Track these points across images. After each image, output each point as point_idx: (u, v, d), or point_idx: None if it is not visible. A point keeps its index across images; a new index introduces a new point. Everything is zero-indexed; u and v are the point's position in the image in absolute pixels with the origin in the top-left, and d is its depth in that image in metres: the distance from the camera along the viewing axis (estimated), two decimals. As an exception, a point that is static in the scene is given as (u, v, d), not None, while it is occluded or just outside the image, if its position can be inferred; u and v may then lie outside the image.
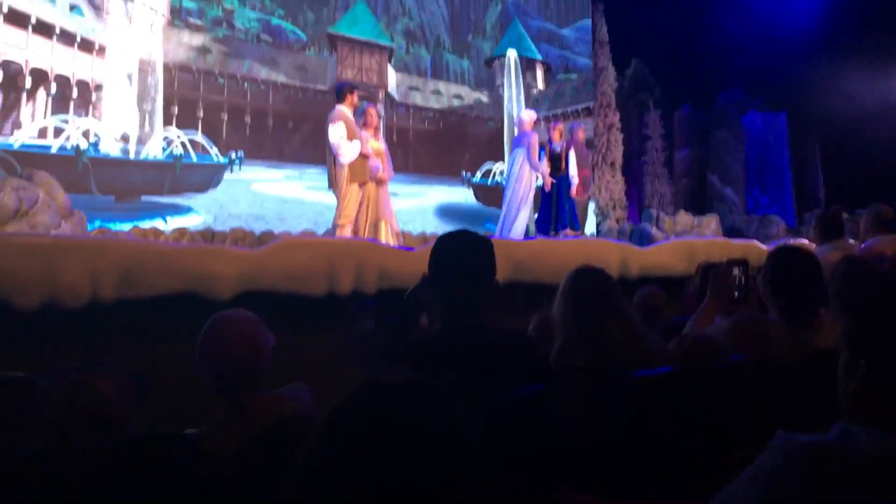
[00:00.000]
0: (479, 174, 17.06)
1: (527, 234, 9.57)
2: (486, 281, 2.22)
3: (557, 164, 10.01)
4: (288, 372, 2.65)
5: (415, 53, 17.01)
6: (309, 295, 5.18)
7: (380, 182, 8.39)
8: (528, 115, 9.61)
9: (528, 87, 17.48)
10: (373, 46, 16.76)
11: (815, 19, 18.67)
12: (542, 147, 9.98)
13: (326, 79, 15.46)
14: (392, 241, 8.01)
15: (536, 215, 10.17)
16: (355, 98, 8.01)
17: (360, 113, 8.26)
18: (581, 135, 11.21)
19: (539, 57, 18.71)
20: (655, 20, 19.35)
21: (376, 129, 8.55)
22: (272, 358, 2.32)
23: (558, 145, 10.13)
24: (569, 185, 9.98)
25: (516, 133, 10.03)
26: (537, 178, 9.70)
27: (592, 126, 18.68)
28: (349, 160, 7.50)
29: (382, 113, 15.33)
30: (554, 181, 9.92)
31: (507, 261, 6.10)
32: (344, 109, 7.62)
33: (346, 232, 7.56)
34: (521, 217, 9.26)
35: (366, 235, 7.98)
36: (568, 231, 9.75)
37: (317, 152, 14.57)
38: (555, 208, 9.94)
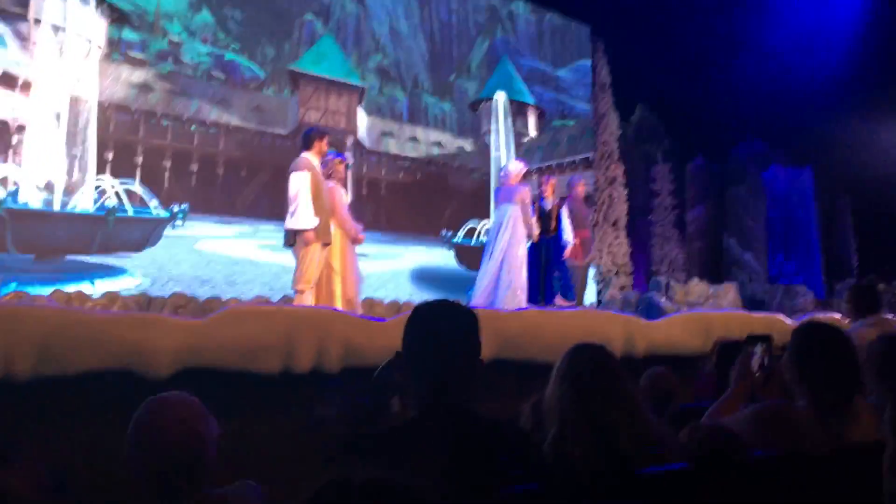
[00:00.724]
0: (461, 233, 17.12)
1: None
2: (470, 359, 2.21)
3: (547, 223, 10.04)
4: (236, 466, 2.59)
5: (389, 94, 17.20)
6: (262, 373, 5.14)
7: (356, 241, 8.46)
8: (516, 167, 9.67)
9: (519, 135, 17.70)
10: (341, 86, 16.94)
11: (843, 66, 19.13)
12: (532, 203, 10.04)
13: (287, 122, 15.54)
14: (343, 307, 8.04)
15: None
16: (325, 146, 8.10)
17: (323, 164, 8.34)
18: (581, 190, 11.38)
19: (531, 101, 18.94)
20: (664, 61, 19.73)
21: (343, 182, 8.63)
22: (217, 449, 2.28)
23: (549, 202, 10.23)
24: (560, 247, 10.01)
25: (501, 182, 10.15)
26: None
27: (592, 180, 18.88)
28: (305, 224, 7.48)
29: (351, 162, 15.48)
30: (543, 242, 10.00)
31: (494, 335, 6.11)
32: (310, 158, 7.63)
33: (307, 299, 7.52)
34: (518, 285, 9.24)
35: (322, 294, 8.03)
36: (560, 300, 9.86)
37: (273, 206, 14.47)
38: (543, 274, 10.00)
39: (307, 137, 8.13)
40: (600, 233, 18.45)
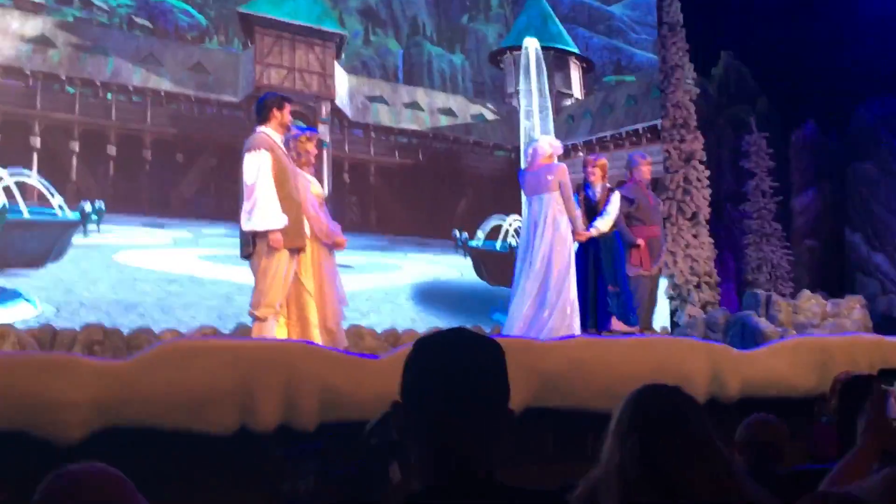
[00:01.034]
0: (481, 234, 17.06)
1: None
2: (494, 408, 2.26)
3: (596, 216, 10.01)
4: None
5: (378, 45, 17.25)
6: (210, 433, 5.18)
7: (335, 246, 8.50)
8: (547, 146, 9.80)
9: (559, 97, 17.71)
10: (311, 35, 17.81)
11: None
12: (574, 192, 10.15)
13: (238, 85, 15.63)
14: (321, 340, 8.09)
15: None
16: (287, 116, 8.13)
17: (287, 142, 8.37)
18: (645, 171, 11.41)
19: (574, 48, 18.99)
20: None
21: (315, 168, 8.67)
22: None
23: (597, 189, 10.24)
24: (616, 251, 10.05)
25: (528, 163, 10.21)
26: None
27: (661, 157, 18.83)
28: (268, 224, 7.62)
29: (327, 139, 15.54)
30: (592, 244, 10.03)
31: (529, 375, 6.18)
32: (269, 134, 7.74)
33: (270, 329, 7.62)
34: (568, 302, 9.27)
35: (295, 325, 8.08)
36: (617, 324, 9.88)
37: (222, 202, 14.42)
38: (594, 289, 10.01)
39: (263, 106, 8.22)
40: (673, 230, 18.41)
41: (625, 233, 10.97)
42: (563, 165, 10.00)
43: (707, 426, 2.52)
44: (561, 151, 10.34)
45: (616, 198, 10.83)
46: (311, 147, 8.99)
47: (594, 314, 9.90)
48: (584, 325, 9.77)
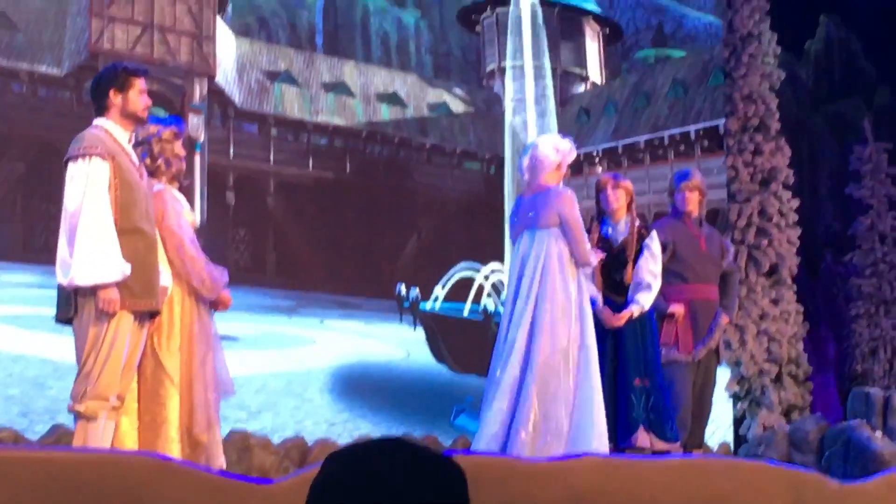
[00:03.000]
0: (440, 291, 17.19)
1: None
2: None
3: (618, 273, 10.50)
4: None
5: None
6: None
7: (217, 304, 8.53)
8: (552, 149, 9.88)
9: (567, 80, 17.91)
10: None
11: None
12: (587, 229, 10.02)
13: (62, 51, 15.67)
14: (182, 454, 8.04)
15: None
16: (136, 100, 7.97)
17: (140, 142, 8.36)
18: (691, 198, 11.42)
19: (593, 5, 19.23)
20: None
21: (180, 182, 8.67)
22: None
23: (621, 225, 10.63)
24: (650, 324, 10.43)
25: (527, 182, 10.26)
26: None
27: (723, 176, 19.06)
28: (95, 278, 7.52)
29: (201, 138, 15.59)
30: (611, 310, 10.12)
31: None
32: (109, 130, 7.84)
33: (99, 434, 7.61)
34: (590, 401, 9.45)
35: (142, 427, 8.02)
36: (646, 440, 10.11)
37: (34, 232, 14.48)
38: (611, 384, 10.27)
39: (102, 85, 8.13)
40: (741, 292, 18.51)
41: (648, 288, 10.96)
42: (570, 192, 9.83)
43: None
44: (573, 158, 9.95)
45: (656, 245, 10.90)
46: (180, 149, 9.02)
47: (611, 422, 9.90)
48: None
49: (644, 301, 9.72)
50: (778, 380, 16.84)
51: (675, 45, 18.89)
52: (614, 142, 19.15)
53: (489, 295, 16.83)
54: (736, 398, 16.85)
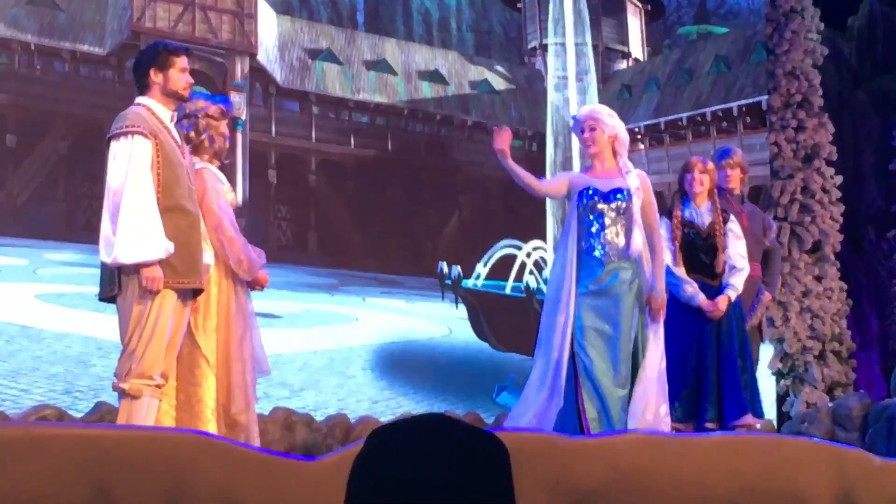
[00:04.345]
0: (482, 269, 17.16)
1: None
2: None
3: (709, 258, 10.46)
4: None
5: (326, -28, 17.37)
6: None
7: (254, 284, 8.51)
8: (608, 116, 9.63)
9: (607, 56, 17.83)
10: None
11: None
12: (668, 208, 10.18)
13: (104, 30, 15.68)
14: (221, 428, 8.02)
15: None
16: (178, 78, 7.95)
17: (183, 119, 8.36)
18: (734, 176, 11.35)
19: (635, -17, 19.17)
20: None
21: (222, 159, 8.66)
22: None
23: (703, 210, 10.56)
24: (738, 305, 10.42)
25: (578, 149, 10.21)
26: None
27: (766, 153, 18.96)
28: (140, 254, 7.54)
29: (243, 115, 15.60)
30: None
31: (552, 492, 6.17)
32: (152, 108, 7.84)
33: (143, 412, 7.64)
34: (657, 377, 9.42)
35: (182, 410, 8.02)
36: (749, 419, 10.12)
37: (73, 211, 14.48)
38: (716, 367, 10.31)
39: (143, 63, 8.12)
40: (784, 270, 18.29)
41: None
42: (644, 175, 9.61)
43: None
44: (621, 130, 9.69)
45: (738, 228, 10.49)
46: (225, 128, 9.01)
47: (719, 403, 10.21)
48: (703, 419, 10.11)
49: (739, 285, 9.94)
50: (821, 357, 16.74)
51: (718, 22, 18.79)
52: (656, 118, 19.03)
53: (531, 272, 16.73)
54: (779, 375, 16.76)
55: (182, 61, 7.54)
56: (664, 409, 8.97)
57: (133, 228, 7.10)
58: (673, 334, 9.19)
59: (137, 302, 7.23)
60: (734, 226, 9.70)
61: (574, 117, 9.52)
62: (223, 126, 8.24)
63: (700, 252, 9.62)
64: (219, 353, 7.97)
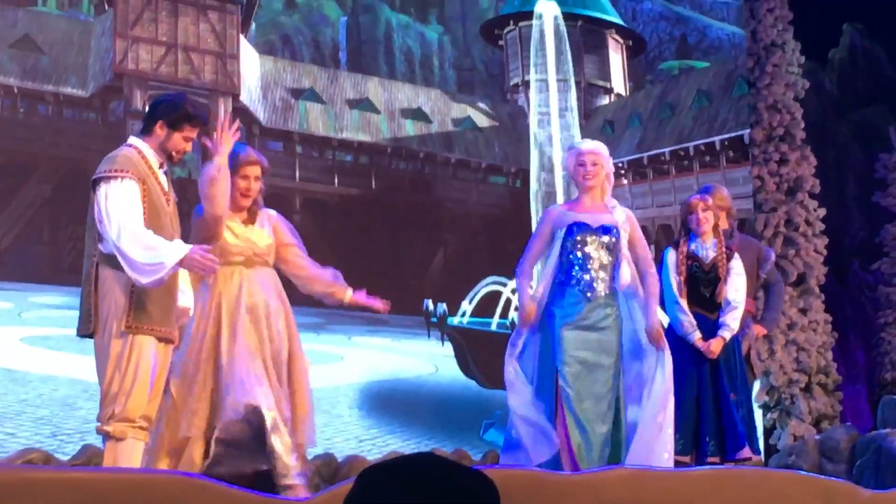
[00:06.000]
0: (468, 306, 17.16)
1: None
2: None
3: (710, 288, 10.59)
4: None
5: (309, 11, 17.43)
6: None
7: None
8: (595, 149, 9.65)
9: (589, 92, 17.86)
10: None
11: None
12: (675, 242, 10.40)
13: (87, 71, 15.66)
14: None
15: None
16: (178, 143, 7.80)
17: (231, 161, 8.34)
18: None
19: (615, 17, 19.20)
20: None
21: (252, 213, 8.70)
22: None
23: (708, 243, 10.66)
24: (736, 340, 10.59)
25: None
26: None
27: (749, 187, 19.01)
28: (171, 260, 7.31)
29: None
30: (701, 329, 10.25)
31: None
32: (143, 150, 7.78)
33: (129, 454, 7.48)
34: (663, 410, 9.41)
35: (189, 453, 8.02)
36: (747, 452, 10.25)
37: (60, 254, 14.52)
38: (714, 399, 10.44)
39: (159, 113, 7.94)
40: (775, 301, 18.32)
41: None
42: (630, 213, 9.63)
43: None
44: (607, 161, 9.66)
45: (740, 266, 10.67)
46: (256, 172, 9.00)
47: (719, 436, 10.30)
48: (705, 452, 10.19)
49: (735, 324, 10.19)
50: (807, 389, 16.80)
51: (699, 56, 18.86)
52: (639, 153, 19.07)
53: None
54: (766, 408, 16.79)
55: (192, 131, 7.52)
56: (666, 455, 8.91)
57: (143, 252, 7.07)
58: (672, 366, 9.12)
59: (114, 342, 7.19)
60: (736, 263, 9.73)
61: (573, 147, 9.46)
62: (255, 180, 8.38)
63: (701, 285, 9.71)
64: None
